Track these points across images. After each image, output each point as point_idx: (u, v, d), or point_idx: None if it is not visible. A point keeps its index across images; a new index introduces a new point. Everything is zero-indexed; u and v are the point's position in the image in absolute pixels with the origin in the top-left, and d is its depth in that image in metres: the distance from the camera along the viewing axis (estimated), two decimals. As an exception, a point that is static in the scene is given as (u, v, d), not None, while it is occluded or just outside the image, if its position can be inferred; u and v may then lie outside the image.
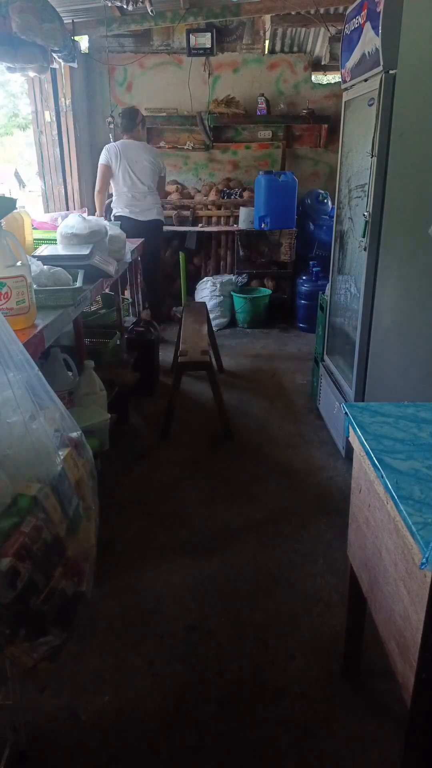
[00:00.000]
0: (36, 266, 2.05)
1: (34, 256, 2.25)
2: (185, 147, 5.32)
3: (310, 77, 5.17)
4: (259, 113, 5.10)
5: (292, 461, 2.93)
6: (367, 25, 2.38)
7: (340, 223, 3.13)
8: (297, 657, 1.77)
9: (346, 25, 2.72)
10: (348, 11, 2.70)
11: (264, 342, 4.84)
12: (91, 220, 2.54)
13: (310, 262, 5.05)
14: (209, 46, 4.92)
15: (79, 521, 1.29)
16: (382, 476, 1.10)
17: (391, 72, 2.25)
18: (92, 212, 4.39)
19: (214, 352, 3.96)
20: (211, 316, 4.37)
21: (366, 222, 2.48)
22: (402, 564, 1.10)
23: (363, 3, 2.44)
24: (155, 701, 1.63)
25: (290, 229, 5.09)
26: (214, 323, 4.61)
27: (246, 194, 5.25)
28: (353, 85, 2.75)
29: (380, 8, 2.21)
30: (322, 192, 5.17)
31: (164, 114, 5.18)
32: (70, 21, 4.16)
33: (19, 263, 1.70)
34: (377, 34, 2.25)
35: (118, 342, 3.14)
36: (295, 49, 5.13)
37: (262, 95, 5.06)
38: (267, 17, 4.72)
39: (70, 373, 2.39)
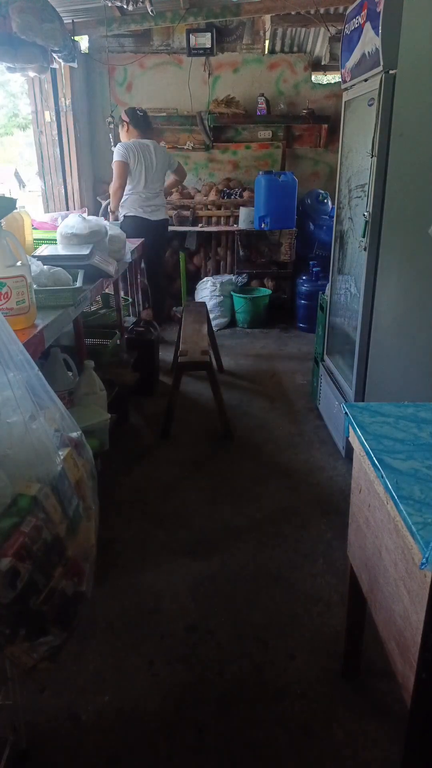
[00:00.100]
0: (36, 266, 2.06)
1: (34, 256, 2.26)
2: (185, 147, 5.32)
3: (310, 77, 5.17)
4: (259, 113, 5.09)
5: (292, 461, 2.93)
6: (367, 25, 2.38)
7: (340, 223, 3.13)
8: (297, 657, 1.77)
9: (346, 25, 2.72)
10: (348, 11, 2.70)
11: (264, 342, 4.84)
12: (91, 220, 2.55)
13: (310, 262, 5.04)
14: (209, 46, 4.92)
15: (79, 521, 1.29)
16: (382, 476, 1.10)
17: (391, 72, 2.25)
18: (92, 212, 4.38)
19: (214, 352, 3.96)
20: (211, 316, 4.37)
21: (366, 222, 2.48)
22: (402, 564, 1.10)
23: (363, 3, 2.44)
24: (155, 701, 1.63)
25: (290, 229, 5.09)
26: (214, 323, 4.61)
27: (246, 194, 5.25)
28: (353, 85, 2.75)
29: (380, 8, 2.21)
30: (322, 192, 5.17)
31: (164, 114, 5.18)
32: (70, 21, 4.16)
33: (19, 263, 1.70)
34: (377, 34, 2.25)
35: (118, 342, 3.15)
36: (295, 49, 5.13)
37: (262, 95, 5.06)
38: (267, 17, 4.72)
39: (70, 373, 2.39)
